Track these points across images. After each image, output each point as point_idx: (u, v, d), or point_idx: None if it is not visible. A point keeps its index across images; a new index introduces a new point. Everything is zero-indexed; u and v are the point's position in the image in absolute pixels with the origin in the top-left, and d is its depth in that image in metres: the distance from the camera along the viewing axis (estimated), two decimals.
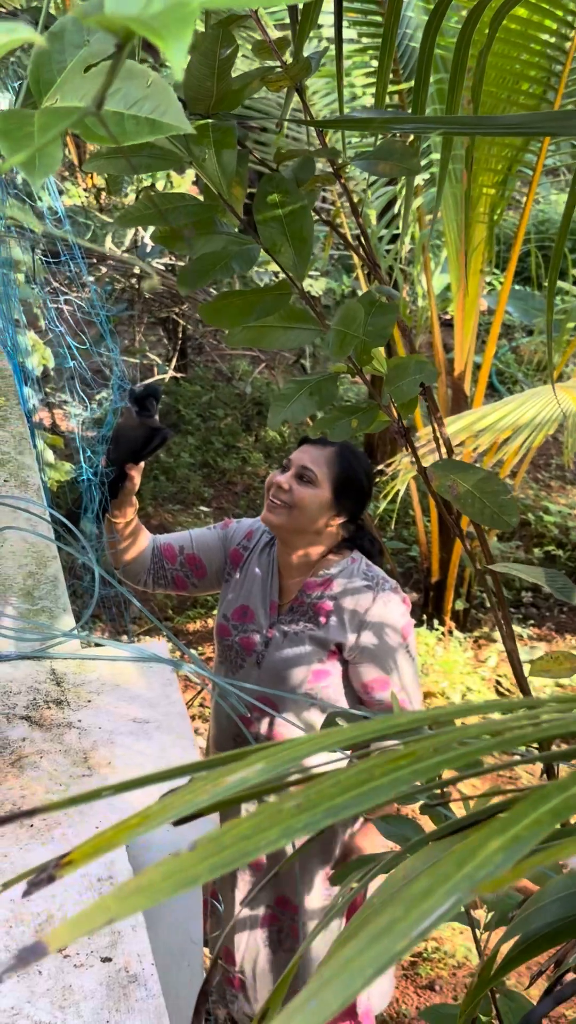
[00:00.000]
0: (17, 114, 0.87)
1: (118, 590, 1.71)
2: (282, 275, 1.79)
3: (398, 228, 5.62)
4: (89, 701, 1.55)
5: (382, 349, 1.79)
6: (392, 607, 2.56)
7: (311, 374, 1.78)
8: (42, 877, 0.71)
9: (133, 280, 7.58)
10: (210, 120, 1.71)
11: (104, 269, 7.41)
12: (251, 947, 2.71)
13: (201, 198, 1.75)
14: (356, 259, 6.43)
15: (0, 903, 1.24)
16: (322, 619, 2.58)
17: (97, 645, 1.69)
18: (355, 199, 5.23)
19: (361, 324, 1.70)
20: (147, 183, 5.44)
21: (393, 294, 1.93)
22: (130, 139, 0.90)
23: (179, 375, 8.77)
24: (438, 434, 1.95)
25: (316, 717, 2.58)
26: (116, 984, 1.15)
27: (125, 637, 5.53)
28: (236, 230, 1.75)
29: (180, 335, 8.70)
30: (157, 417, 2.63)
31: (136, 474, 2.65)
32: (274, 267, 5.67)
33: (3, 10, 1.56)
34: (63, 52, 1.03)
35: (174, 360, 8.66)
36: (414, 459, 1.90)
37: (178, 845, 1.37)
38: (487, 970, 1.09)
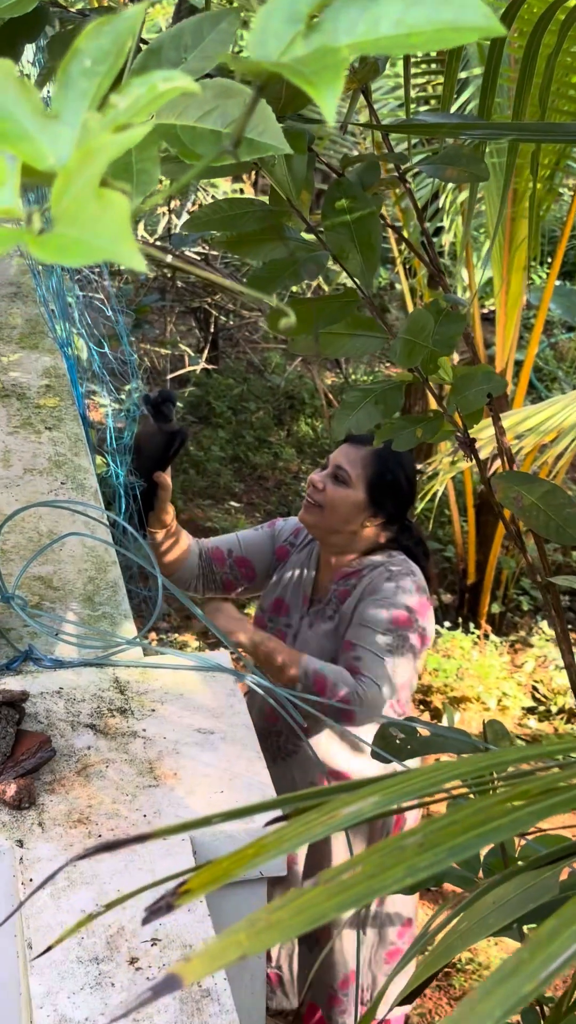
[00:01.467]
0: None
1: (177, 596, 1.74)
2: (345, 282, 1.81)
3: (441, 222, 5.63)
4: (153, 710, 1.58)
5: (448, 358, 1.81)
6: (403, 591, 2.57)
7: (375, 382, 1.80)
8: (160, 905, 0.73)
9: (166, 269, 7.61)
10: (280, 124, 1.73)
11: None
12: (287, 944, 2.74)
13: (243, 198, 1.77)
14: (395, 251, 6.45)
15: (70, 911, 1.27)
16: (340, 610, 2.63)
17: (159, 653, 1.71)
18: (394, 203, 5.24)
19: (429, 333, 1.72)
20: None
21: (460, 302, 1.95)
22: (218, 159, 0.92)
23: (210, 367, 8.80)
24: (500, 444, 1.97)
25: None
26: (189, 999, 1.17)
27: (154, 636, 5.56)
28: (304, 236, 1.77)
29: (212, 326, 8.73)
30: (174, 421, 2.65)
31: (166, 481, 2.67)
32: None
33: (71, 11, 1.59)
34: (160, 67, 1.05)
35: (206, 351, 8.68)
36: (478, 469, 1.92)
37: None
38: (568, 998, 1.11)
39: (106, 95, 0.60)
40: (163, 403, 2.57)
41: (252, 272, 1.71)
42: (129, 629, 1.76)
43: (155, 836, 0.73)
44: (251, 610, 5.94)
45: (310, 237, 1.74)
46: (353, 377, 9.80)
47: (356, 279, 1.75)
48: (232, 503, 7.48)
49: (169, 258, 1.75)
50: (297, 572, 2.79)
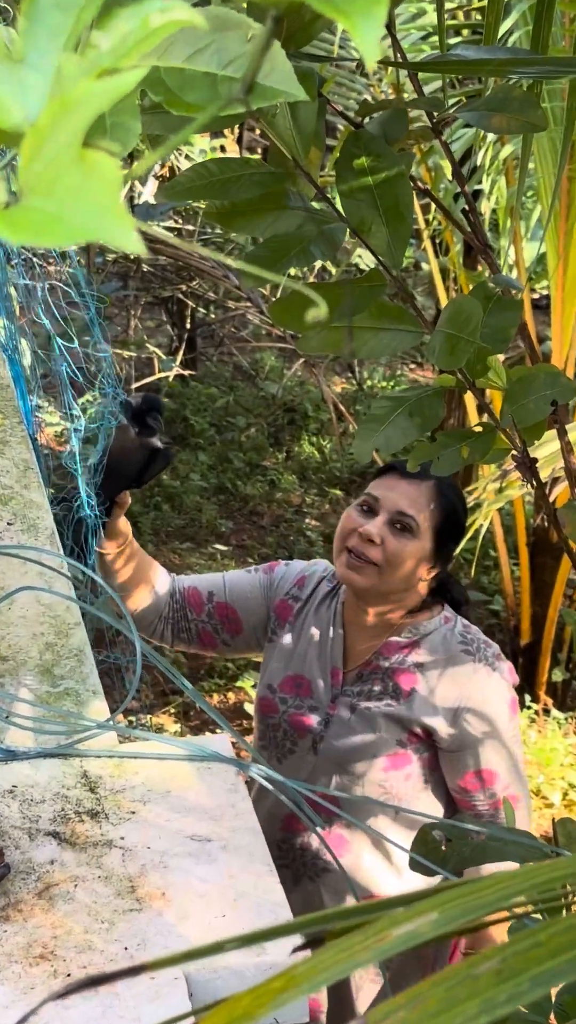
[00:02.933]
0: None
1: (155, 663, 1.74)
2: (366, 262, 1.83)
3: (480, 183, 5.66)
4: (133, 812, 1.58)
5: (499, 357, 1.82)
6: (497, 681, 2.60)
7: (409, 389, 1.81)
8: None
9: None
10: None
11: None
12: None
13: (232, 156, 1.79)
14: (421, 222, 6.49)
15: None
16: (403, 693, 2.61)
17: (139, 739, 1.72)
18: (420, 160, 5.28)
19: (476, 325, 1.73)
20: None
21: (514, 284, 1.97)
22: (225, 108, 0.93)
23: (187, 372, 8.85)
24: (568, 464, 1.98)
25: (384, 821, 2.60)
26: None
27: (121, 718, 5.55)
28: (315, 205, 1.79)
29: (188, 320, 8.79)
30: (159, 435, 2.66)
31: (125, 498, 2.68)
32: None
33: None
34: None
35: (180, 352, 8.74)
36: (541, 496, 1.93)
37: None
38: None
39: (85, 32, 0.60)
40: (148, 412, 2.58)
41: (251, 251, 1.72)
42: (99, 709, 1.76)
43: (150, 968, 0.74)
44: (245, 685, 5.93)
45: (322, 206, 1.76)
46: (369, 383, 9.84)
47: (381, 258, 1.76)
48: (217, 546, 7.50)
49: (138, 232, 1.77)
50: (318, 638, 2.76)
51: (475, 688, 2.57)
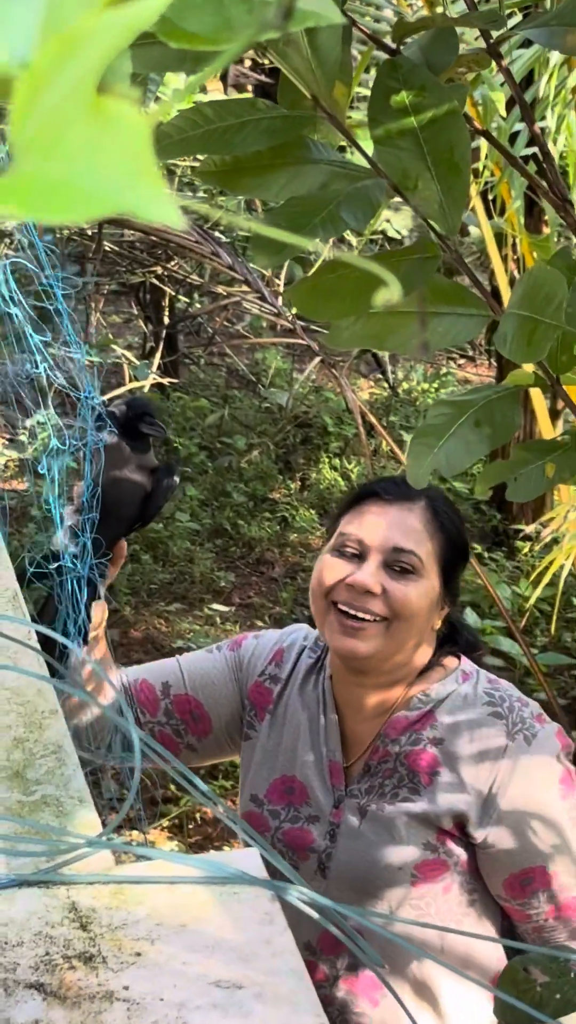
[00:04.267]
0: None
1: (156, 760, 1.75)
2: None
3: (543, 118, 5.69)
4: (138, 954, 1.59)
5: None
6: (539, 751, 2.57)
7: (472, 390, 1.83)
8: None
9: (85, 226, 7.70)
10: None
11: None
12: None
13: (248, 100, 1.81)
14: None
15: None
16: (423, 780, 2.58)
17: (142, 858, 1.72)
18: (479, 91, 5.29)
19: (560, 304, 1.74)
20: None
21: None
22: (236, 35, 0.95)
23: (167, 380, 8.88)
24: None
25: (427, 936, 2.57)
26: None
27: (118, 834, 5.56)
28: (344, 156, 1.81)
29: (166, 312, 8.83)
30: (154, 450, 2.66)
31: (122, 549, 2.68)
32: None
33: None
34: None
35: (158, 355, 8.77)
36: None
37: None
38: None
39: None
40: (140, 419, 2.58)
41: (263, 219, 1.74)
42: (88, 822, 1.77)
43: None
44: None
45: (356, 158, 1.78)
46: (405, 386, 9.85)
47: (432, 222, 1.78)
48: (216, 607, 7.52)
49: None
50: (307, 727, 2.73)
51: (511, 763, 2.54)
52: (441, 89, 1.78)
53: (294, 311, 6.61)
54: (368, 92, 1.84)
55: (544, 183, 2.10)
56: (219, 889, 1.69)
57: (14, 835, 1.74)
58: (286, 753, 2.74)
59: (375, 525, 2.58)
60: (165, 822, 5.91)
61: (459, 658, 2.69)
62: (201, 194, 7.33)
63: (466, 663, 2.68)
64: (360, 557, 2.57)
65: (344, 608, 2.55)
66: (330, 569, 2.58)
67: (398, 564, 2.54)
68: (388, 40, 1.86)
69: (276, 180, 1.78)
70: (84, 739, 2.67)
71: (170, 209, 0.54)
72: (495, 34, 1.97)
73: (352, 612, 2.54)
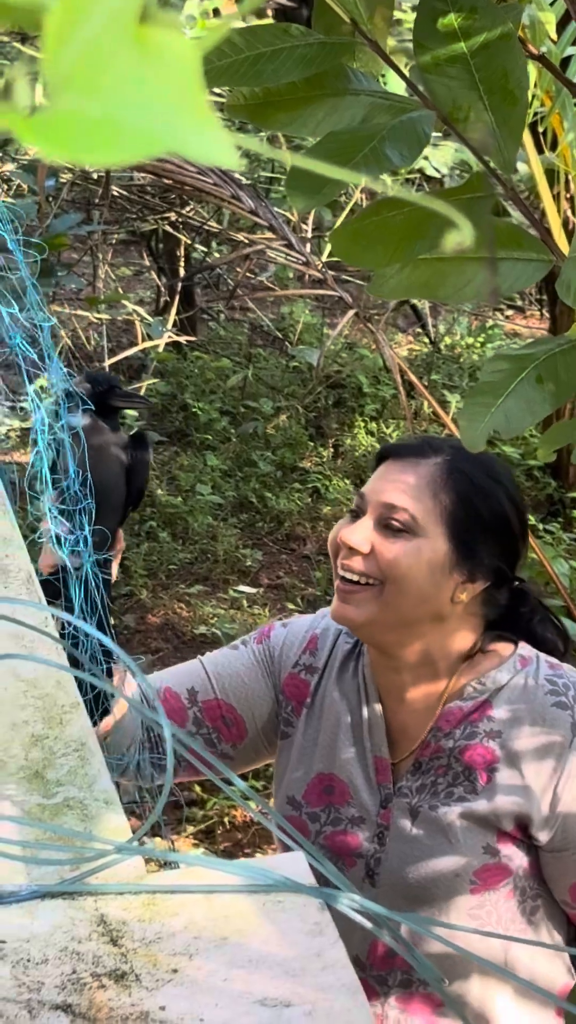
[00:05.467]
0: None
1: (187, 755, 1.76)
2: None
3: None
4: (175, 971, 1.59)
5: None
6: None
7: (532, 343, 1.83)
8: None
9: (90, 167, 7.69)
10: None
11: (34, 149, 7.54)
12: None
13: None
14: None
15: None
16: (481, 777, 2.57)
17: (177, 864, 1.73)
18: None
19: None
20: None
21: None
22: None
23: (184, 338, 8.88)
24: None
25: (489, 947, 2.56)
26: None
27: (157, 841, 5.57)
28: (385, 87, 1.81)
29: (181, 263, 8.81)
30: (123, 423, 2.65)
31: (120, 540, 2.67)
32: None
33: None
34: None
35: (173, 311, 8.77)
36: None
37: None
38: None
39: None
40: (110, 393, 2.57)
41: (301, 156, 1.74)
42: (116, 825, 1.78)
43: None
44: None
45: (399, 87, 1.78)
46: (447, 341, 9.83)
47: (486, 158, 1.78)
48: (242, 588, 7.50)
49: None
50: (348, 719, 2.71)
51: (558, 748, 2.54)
52: (494, 10, 1.78)
53: (323, 259, 6.60)
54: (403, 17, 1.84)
55: None
56: (262, 898, 1.69)
57: (35, 842, 1.74)
58: (324, 749, 2.72)
59: (377, 482, 2.61)
60: (191, 828, 5.91)
61: (515, 643, 2.66)
62: None
63: (524, 648, 2.65)
64: (358, 515, 2.59)
65: (340, 572, 2.57)
66: (336, 528, 2.62)
67: (389, 521, 2.54)
68: None
69: (313, 114, 1.78)
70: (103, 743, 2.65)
71: (225, 147, 0.54)
72: None
73: (344, 574, 2.56)
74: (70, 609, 2.36)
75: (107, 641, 1.79)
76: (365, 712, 2.69)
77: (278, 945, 1.64)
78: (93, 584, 2.38)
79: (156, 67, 0.56)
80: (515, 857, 2.56)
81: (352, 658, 2.75)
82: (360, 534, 2.54)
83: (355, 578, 2.54)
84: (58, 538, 2.33)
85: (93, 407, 2.47)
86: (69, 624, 2.40)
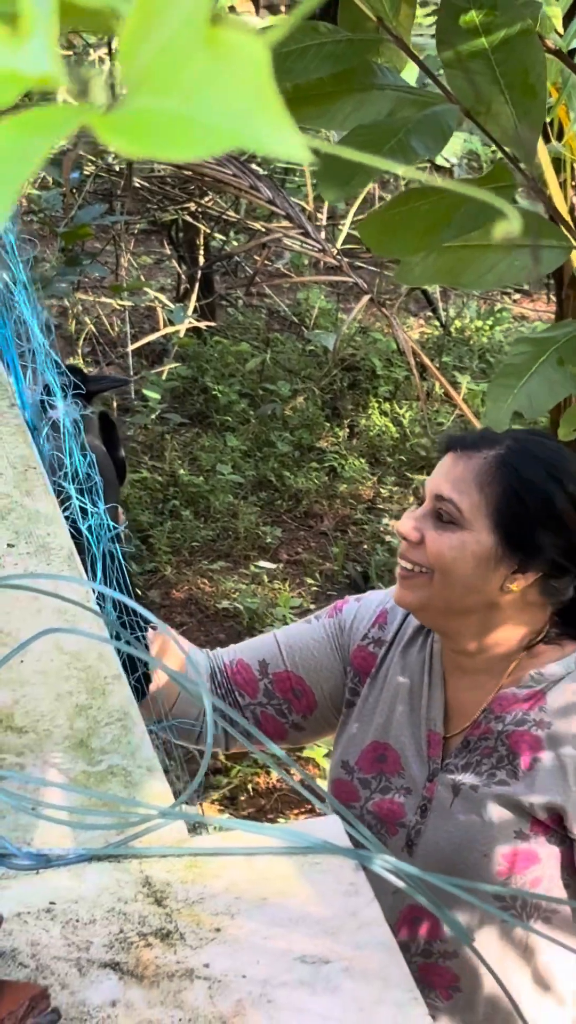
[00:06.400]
0: None
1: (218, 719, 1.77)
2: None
3: None
4: (218, 930, 1.60)
5: None
6: None
7: (553, 326, 1.84)
8: None
9: (113, 159, 7.69)
10: None
11: (62, 144, 7.53)
12: None
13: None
14: None
15: None
16: (523, 763, 2.55)
17: (217, 828, 1.74)
18: None
19: None
20: None
21: None
22: None
23: (203, 324, 8.88)
24: None
25: (508, 932, 2.55)
26: None
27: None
28: (411, 82, 1.82)
29: (201, 252, 8.81)
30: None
31: (120, 517, 2.67)
32: None
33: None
34: None
35: (193, 298, 8.76)
36: None
37: None
38: None
39: None
40: (86, 382, 2.57)
41: (336, 145, 1.75)
42: (159, 792, 1.78)
43: None
44: (316, 755, 5.94)
45: (421, 82, 1.79)
46: (458, 324, 9.82)
47: (507, 148, 1.79)
48: (262, 564, 7.51)
49: None
50: (405, 692, 2.72)
51: None
52: (513, 6, 1.78)
53: (338, 247, 6.59)
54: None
55: None
56: (300, 860, 1.70)
57: (81, 808, 1.75)
58: (382, 718, 2.73)
59: (435, 473, 2.60)
60: (215, 795, 5.93)
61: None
62: None
63: None
64: (421, 503, 2.61)
65: (399, 558, 2.61)
66: (400, 519, 2.62)
67: (440, 512, 2.54)
68: None
69: (341, 108, 1.78)
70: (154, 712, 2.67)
71: (298, 144, 0.55)
72: None
73: (400, 561, 2.59)
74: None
75: (150, 616, 1.80)
76: (426, 686, 2.70)
77: (316, 905, 1.65)
78: (116, 559, 2.40)
79: (229, 67, 0.57)
80: (546, 846, 2.55)
81: (421, 633, 2.76)
82: (408, 523, 2.56)
83: (409, 566, 2.56)
84: (82, 515, 2.35)
85: (84, 395, 2.47)
86: (104, 598, 2.43)
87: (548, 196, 1.84)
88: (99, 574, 2.41)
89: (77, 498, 2.38)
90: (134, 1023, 1.51)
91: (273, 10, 9.35)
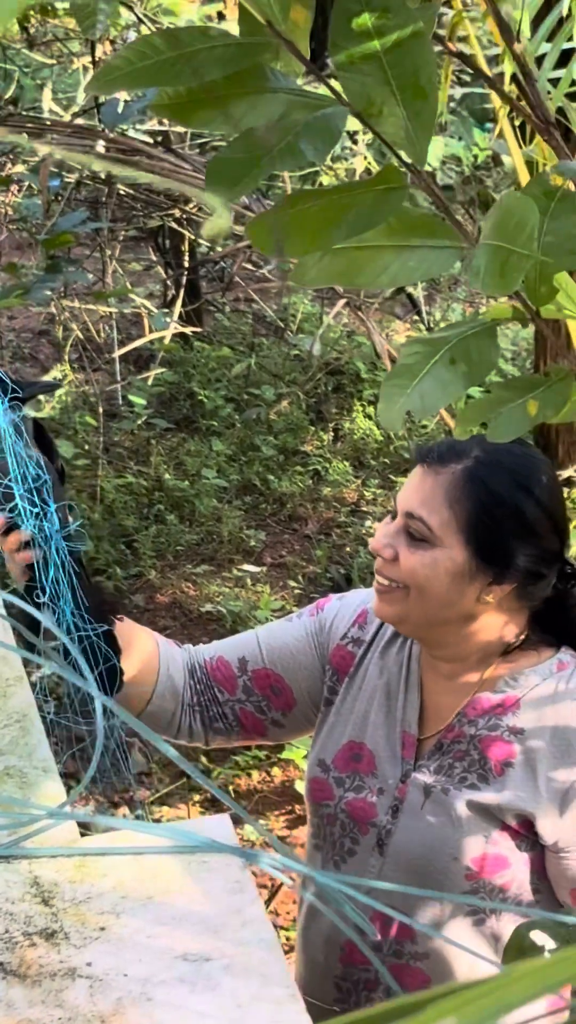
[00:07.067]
0: None
1: (126, 723, 1.76)
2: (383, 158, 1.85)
3: (571, 38, 5.65)
4: (102, 929, 1.61)
5: (567, 275, 1.84)
6: None
7: (450, 326, 1.83)
8: None
9: (96, 168, 7.68)
10: None
11: (43, 150, 7.50)
12: None
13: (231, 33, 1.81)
14: (496, 102, 6.49)
15: None
16: (494, 769, 2.57)
17: (106, 828, 1.74)
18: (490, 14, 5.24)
19: (532, 232, 1.74)
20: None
21: None
22: None
23: (189, 329, 8.88)
24: None
25: (477, 934, 2.56)
26: None
27: (125, 811, 5.59)
28: (302, 84, 1.81)
29: (186, 258, 8.81)
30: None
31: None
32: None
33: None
34: None
35: (178, 303, 8.76)
36: None
37: None
38: None
39: None
40: (17, 386, 2.56)
41: (219, 153, 1.74)
42: (53, 792, 1.79)
43: None
44: (295, 756, 5.95)
45: (317, 86, 1.78)
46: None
47: (398, 150, 1.78)
48: (246, 567, 7.52)
49: (100, 146, 1.78)
50: (382, 693, 2.73)
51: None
52: (406, 10, 1.78)
53: None
54: None
55: (528, 106, 2.10)
56: (188, 858, 1.70)
57: None
58: (359, 718, 2.75)
59: (404, 488, 2.61)
60: (197, 796, 5.93)
61: (558, 647, 2.66)
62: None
63: (565, 653, 2.65)
64: (394, 516, 2.61)
65: (375, 572, 2.62)
66: (379, 528, 2.64)
67: (412, 530, 2.55)
68: None
69: (234, 111, 1.78)
70: (156, 726, 2.72)
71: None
72: None
73: (377, 576, 2.60)
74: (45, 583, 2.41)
75: (29, 607, 1.81)
76: (403, 688, 2.71)
77: (201, 903, 1.66)
78: (65, 556, 2.41)
79: None
80: (516, 851, 2.56)
81: (400, 635, 2.76)
82: (381, 540, 2.58)
83: (385, 581, 2.57)
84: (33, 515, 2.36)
85: (21, 400, 2.46)
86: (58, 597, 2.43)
87: (448, 192, 1.83)
88: (51, 572, 2.42)
89: (26, 499, 2.38)
90: (14, 1023, 1.52)
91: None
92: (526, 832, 2.55)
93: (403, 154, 1.78)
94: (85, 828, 1.77)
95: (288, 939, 4.71)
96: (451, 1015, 0.78)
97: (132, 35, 7.56)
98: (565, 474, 8.02)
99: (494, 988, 0.79)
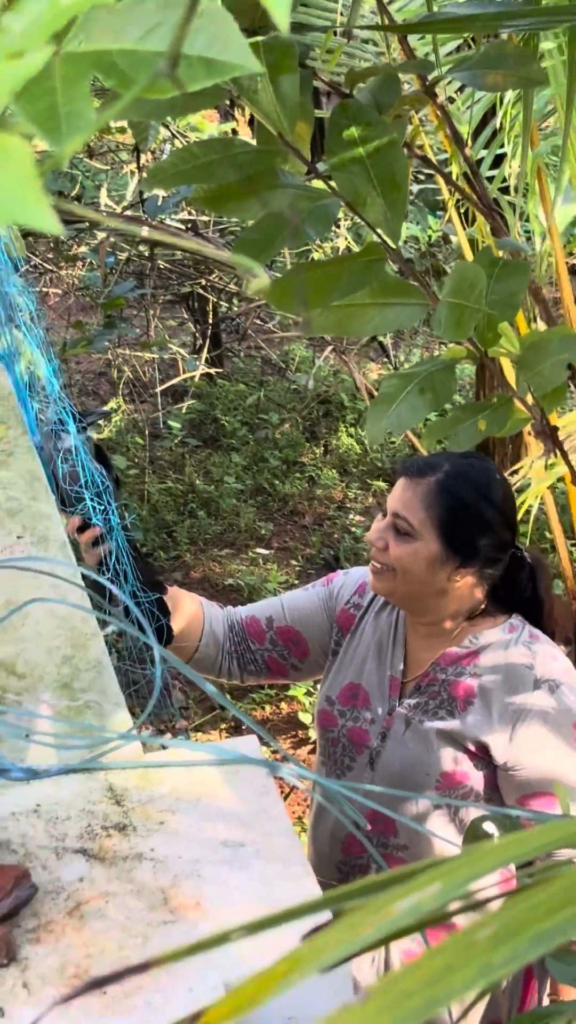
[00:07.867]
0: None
1: (177, 668, 1.77)
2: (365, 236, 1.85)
3: (502, 146, 5.66)
4: (161, 823, 1.61)
5: (509, 324, 1.84)
6: (561, 701, 2.55)
7: (418, 364, 1.84)
8: None
9: (142, 247, 7.70)
10: (260, 37, 1.78)
11: (100, 235, 7.52)
12: None
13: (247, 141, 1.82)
14: (446, 194, 6.49)
15: None
16: (459, 705, 2.60)
17: (163, 747, 1.75)
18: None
19: (482, 292, 1.75)
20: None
21: (518, 247, 1.99)
22: (151, 86, 0.95)
23: (213, 370, 8.88)
24: None
25: (447, 829, 2.59)
26: None
27: (170, 736, 5.59)
28: (304, 181, 1.82)
29: (210, 315, 8.82)
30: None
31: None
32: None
33: None
34: None
35: (204, 351, 8.77)
36: (568, 464, 1.95)
37: (296, 1009, 1.42)
38: None
39: None
40: (83, 416, 2.56)
41: (240, 235, 1.74)
42: (122, 720, 1.80)
43: (155, 965, 0.76)
44: (298, 693, 5.96)
45: (317, 183, 1.78)
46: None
47: (378, 230, 1.79)
48: (259, 550, 7.53)
49: (144, 231, 1.79)
50: (375, 646, 2.78)
51: (534, 706, 2.55)
52: (383, 124, 1.78)
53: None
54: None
55: (475, 195, 2.10)
56: (226, 770, 1.71)
57: (63, 733, 1.76)
58: (357, 663, 2.80)
59: (393, 493, 2.65)
60: (223, 725, 5.95)
61: (510, 614, 2.71)
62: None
63: (516, 618, 2.70)
64: (385, 514, 2.66)
65: (371, 558, 2.67)
66: (371, 529, 2.68)
67: (398, 526, 2.60)
68: (343, 85, 1.87)
69: (253, 203, 1.78)
70: (202, 668, 2.85)
71: (47, 218, 0.55)
72: (430, 77, 1.97)
73: (372, 561, 2.66)
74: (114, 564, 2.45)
75: (103, 580, 1.82)
76: (391, 643, 2.77)
77: (236, 803, 1.67)
78: (123, 541, 2.45)
79: (2, 162, 0.57)
80: (474, 770, 2.60)
81: (389, 604, 2.83)
82: (375, 533, 2.64)
83: (379, 565, 2.63)
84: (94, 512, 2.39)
85: (84, 425, 2.48)
86: (108, 572, 2.45)
87: (410, 263, 1.82)
88: (113, 555, 2.44)
89: (95, 501, 2.40)
90: (96, 894, 1.52)
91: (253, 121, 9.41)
92: (483, 755, 2.58)
93: (381, 232, 1.79)
94: (146, 747, 1.78)
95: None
96: (437, 880, 0.78)
97: (167, 147, 7.55)
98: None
99: (465, 863, 0.79)
